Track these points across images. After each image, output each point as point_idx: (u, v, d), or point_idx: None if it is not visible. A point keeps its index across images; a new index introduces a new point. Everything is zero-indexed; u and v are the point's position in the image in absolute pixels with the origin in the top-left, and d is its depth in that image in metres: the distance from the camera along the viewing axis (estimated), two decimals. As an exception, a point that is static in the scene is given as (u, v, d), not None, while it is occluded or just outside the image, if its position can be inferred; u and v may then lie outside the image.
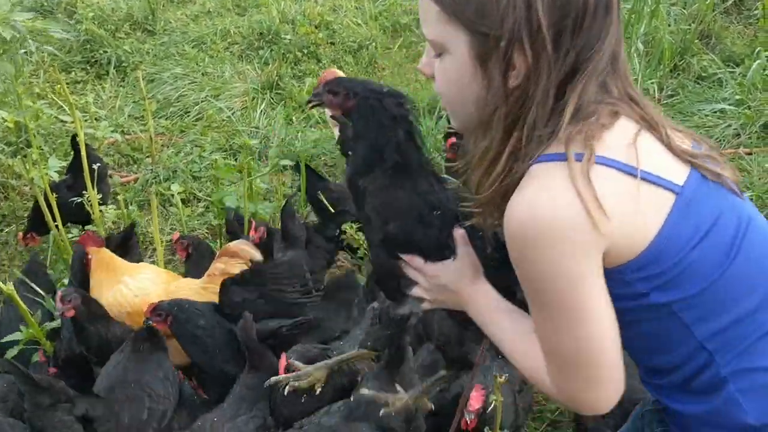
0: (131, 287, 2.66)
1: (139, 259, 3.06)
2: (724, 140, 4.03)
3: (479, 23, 1.04)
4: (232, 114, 4.68)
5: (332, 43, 5.62)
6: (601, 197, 1.00)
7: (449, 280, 1.32)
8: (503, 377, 1.76)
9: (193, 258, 2.98)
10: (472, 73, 1.08)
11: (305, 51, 5.44)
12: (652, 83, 4.40)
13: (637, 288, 1.08)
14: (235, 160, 4.03)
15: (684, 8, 5.17)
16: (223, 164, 3.14)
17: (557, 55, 1.03)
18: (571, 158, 1.03)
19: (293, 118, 4.70)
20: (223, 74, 5.19)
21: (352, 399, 2.06)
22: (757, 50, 4.56)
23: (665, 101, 4.41)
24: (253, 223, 2.89)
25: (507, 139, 1.09)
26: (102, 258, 2.72)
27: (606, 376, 1.10)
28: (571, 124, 1.05)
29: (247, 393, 2.22)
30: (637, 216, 1.04)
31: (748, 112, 4.09)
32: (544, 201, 1.03)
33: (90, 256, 2.73)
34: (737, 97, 4.23)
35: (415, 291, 1.37)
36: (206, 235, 3.60)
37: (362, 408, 2.01)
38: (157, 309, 2.43)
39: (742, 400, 1.11)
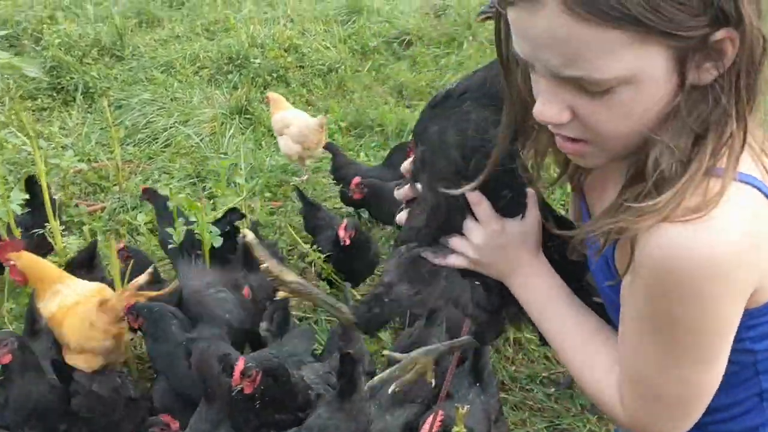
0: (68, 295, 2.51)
1: (103, 277, 2.99)
2: None
3: (678, 24, 0.81)
4: (201, 140, 4.66)
5: (301, 67, 5.64)
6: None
7: (510, 241, 1.10)
8: (465, 408, 1.76)
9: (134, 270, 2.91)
10: (668, 88, 0.86)
11: (274, 75, 5.47)
12: None
13: (741, 333, 0.96)
14: (204, 188, 4.01)
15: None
16: (189, 193, 3.12)
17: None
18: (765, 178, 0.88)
19: (263, 142, 4.70)
20: (191, 99, 5.18)
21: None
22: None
23: None
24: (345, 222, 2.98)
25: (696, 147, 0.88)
26: (28, 264, 2.54)
27: (695, 417, 1.00)
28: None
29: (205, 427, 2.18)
30: None
31: None
32: (718, 231, 0.86)
33: (11, 263, 2.54)
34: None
35: (461, 244, 1.12)
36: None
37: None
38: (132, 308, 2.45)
39: None
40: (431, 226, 1.13)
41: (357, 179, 3.43)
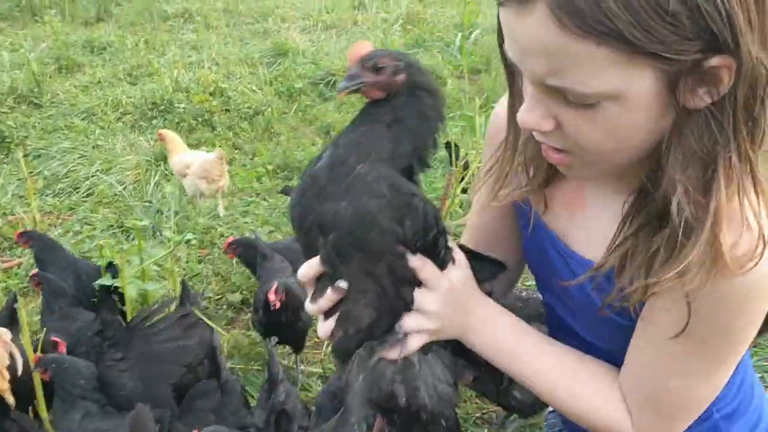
0: None
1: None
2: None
3: (668, 47, 0.77)
4: (124, 188, 4.55)
5: (227, 110, 5.61)
6: None
7: (461, 291, 1.05)
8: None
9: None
10: (657, 110, 0.83)
11: (200, 119, 5.41)
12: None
13: None
14: (128, 238, 3.91)
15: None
16: (112, 245, 3.03)
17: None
18: None
19: (189, 188, 4.62)
20: (114, 147, 5.07)
21: None
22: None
23: None
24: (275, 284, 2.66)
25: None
26: None
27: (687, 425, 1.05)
28: None
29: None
30: None
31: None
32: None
33: None
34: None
35: (416, 321, 1.02)
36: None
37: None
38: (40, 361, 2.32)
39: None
40: (383, 315, 0.99)
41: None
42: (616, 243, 0.94)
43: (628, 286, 0.92)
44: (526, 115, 0.89)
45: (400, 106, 0.99)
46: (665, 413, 1.01)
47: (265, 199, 4.46)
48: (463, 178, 3.24)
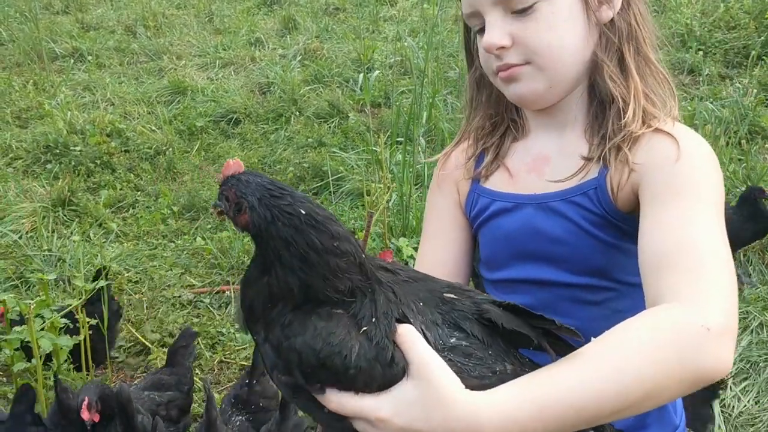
0: None
1: None
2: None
3: None
4: (20, 237, 4.36)
5: (127, 151, 5.49)
6: None
7: (413, 416, 0.83)
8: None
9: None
10: (577, 8, 1.15)
11: (98, 162, 5.26)
12: (438, 169, 4.78)
13: None
14: (28, 289, 3.75)
15: (457, 98, 5.73)
16: (14, 302, 2.90)
17: None
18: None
19: (90, 234, 4.49)
20: (6, 194, 4.84)
21: None
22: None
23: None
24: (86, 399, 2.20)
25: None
26: None
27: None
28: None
29: None
30: None
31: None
32: (705, 142, 1.15)
33: None
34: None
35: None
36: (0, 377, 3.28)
37: None
38: None
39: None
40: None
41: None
42: (593, 138, 1.20)
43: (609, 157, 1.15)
44: (489, 39, 1.15)
45: (261, 249, 0.91)
46: (722, 285, 0.92)
47: (172, 241, 4.39)
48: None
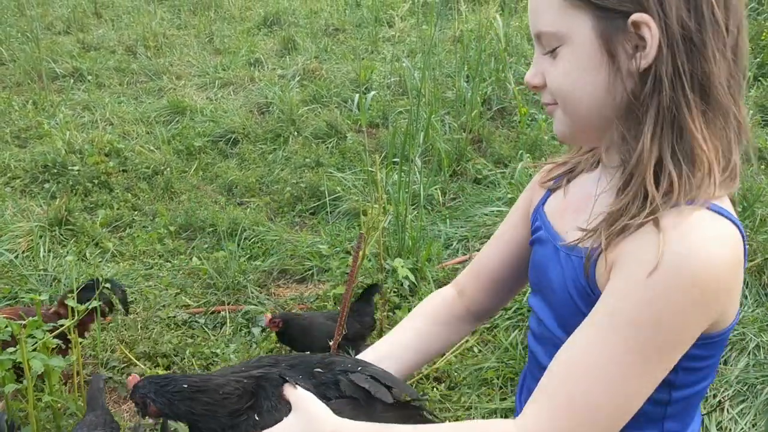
0: None
1: None
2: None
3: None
4: (16, 257, 4.36)
5: (125, 171, 5.50)
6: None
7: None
8: None
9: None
10: (598, 58, 1.02)
11: (96, 181, 5.27)
12: (435, 189, 4.79)
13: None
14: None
15: (455, 118, 5.75)
16: (6, 322, 2.89)
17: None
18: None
19: (87, 253, 4.48)
20: (3, 213, 4.85)
21: None
22: (519, 152, 5.17)
23: (449, 204, 4.82)
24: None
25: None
26: None
27: None
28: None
29: None
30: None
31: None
32: (717, 251, 0.94)
33: None
34: (509, 195, 4.73)
35: None
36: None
37: None
38: None
39: None
40: None
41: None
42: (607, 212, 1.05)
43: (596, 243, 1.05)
44: (527, 76, 1.13)
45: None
46: (575, 423, 0.98)
47: (168, 261, 4.38)
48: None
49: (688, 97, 0.98)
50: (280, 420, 1.18)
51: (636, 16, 0.97)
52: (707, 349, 1.05)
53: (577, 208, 1.19)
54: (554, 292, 1.18)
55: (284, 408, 1.21)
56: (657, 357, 0.96)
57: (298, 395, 1.20)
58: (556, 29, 1.05)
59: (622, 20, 0.98)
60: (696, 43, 0.97)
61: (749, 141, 1.06)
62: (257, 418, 1.22)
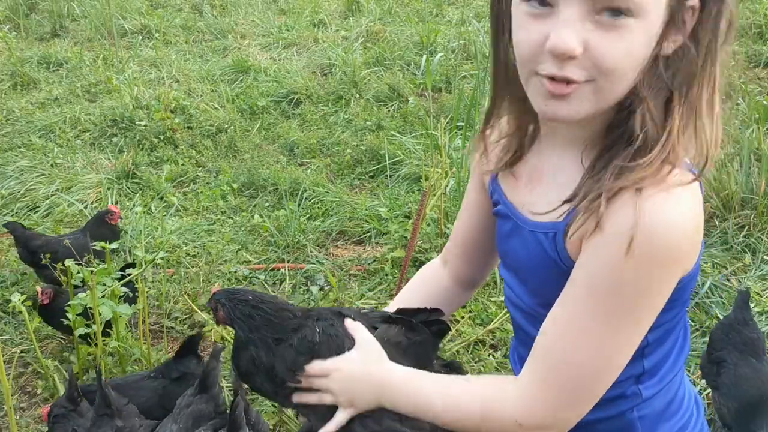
0: None
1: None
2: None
3: None
4: (86, 207, 4.50)
5: (189, 128, 5.59)
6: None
7: (354, 369, 1.27)
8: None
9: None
10: (651, 40, 0.98)
11: (161, 137, 5.37)
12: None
13: None
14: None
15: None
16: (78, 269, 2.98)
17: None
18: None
19: (152, 207, 4.59)
20: (74, 165, 5.00)
21: None
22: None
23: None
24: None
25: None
26: None
27: (595, 400, 1.11)
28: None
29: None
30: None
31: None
32: (681, 216, 1.00)
33: None
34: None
35: (325, 398, 1.29)
36: (62, 340, 3.39)
37: None
38: None
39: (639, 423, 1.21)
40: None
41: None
42: (588, 176, 1.06)
43: (585, 202, 1.04)
44: (559, 39, 0.95)
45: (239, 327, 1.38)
46: (561, 388, 1.10)
47: (230, 218, 4.46)
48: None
49: (702, 88, 1.01)
50: (339, 339, 1.31)
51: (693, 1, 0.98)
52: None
53: (530, 180, 1.21)
54: (521, 264, 1.24)
55: (342, 330, 1.32)
56: (633, 320, 1.04)
57: (363, 336, 1.30)
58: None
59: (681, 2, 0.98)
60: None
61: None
62: (318, 329, 1.33)
